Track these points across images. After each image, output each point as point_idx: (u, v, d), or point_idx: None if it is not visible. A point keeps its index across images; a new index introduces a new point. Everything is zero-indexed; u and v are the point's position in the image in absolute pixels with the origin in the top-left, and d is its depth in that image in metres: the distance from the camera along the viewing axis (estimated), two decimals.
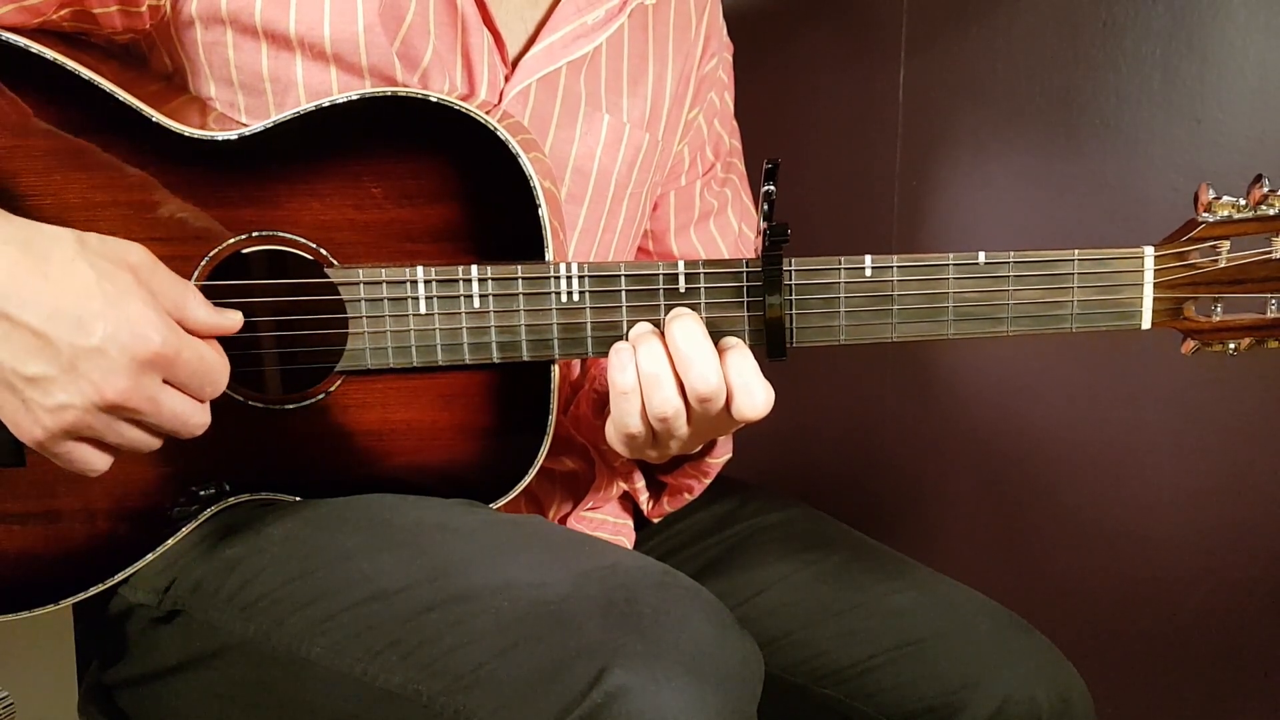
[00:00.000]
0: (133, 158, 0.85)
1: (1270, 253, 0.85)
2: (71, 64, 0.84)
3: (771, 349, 0.88)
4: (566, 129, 1.00)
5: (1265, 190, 0.85)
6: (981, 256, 0.87)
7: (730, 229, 1.15)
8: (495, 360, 0.89)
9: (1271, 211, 0.85)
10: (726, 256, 1.14)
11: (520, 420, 0.91)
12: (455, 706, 0.76)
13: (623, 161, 1.03)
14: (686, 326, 0.85)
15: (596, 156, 1.02)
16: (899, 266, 0.87)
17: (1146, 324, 0.88)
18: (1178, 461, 1.46)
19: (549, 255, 0.87)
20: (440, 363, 0.89)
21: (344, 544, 0.86)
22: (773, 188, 0.84)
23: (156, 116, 0.85)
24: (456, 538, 0.85)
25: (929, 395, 1.59)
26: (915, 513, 1.63)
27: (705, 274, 0.87)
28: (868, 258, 0.87)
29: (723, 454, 1.04)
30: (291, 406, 0.90)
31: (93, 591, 0.91)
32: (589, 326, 0.88)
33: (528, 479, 0.92)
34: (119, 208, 0.86)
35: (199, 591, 0.89)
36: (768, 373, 0.86)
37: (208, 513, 0.91)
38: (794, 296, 0.88)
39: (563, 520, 1.08)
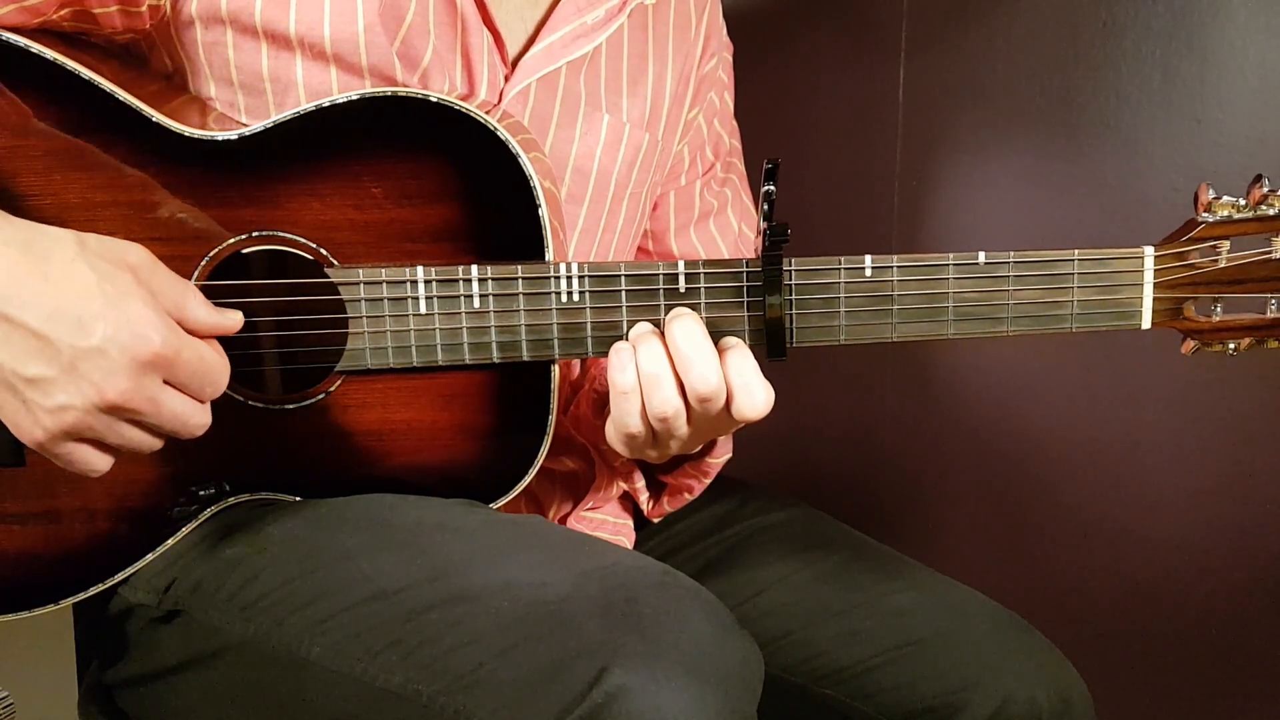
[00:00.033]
0: (133, 158, 0.85)
1: (1270, 253, 0.85)
2: (71, 64, 0.84)
3: (771, 349, 0.88)
4: (566, 129, 1.00)
5: (1265, 190, 0.85)
6: (981, 256, 0.87)
7: (730, 229, 1.15)
8: (495, 360, 0.89)
9: (1271, 211, 0.85)
10: (726, 256, 1.14)
11: (520, 420, 0.91)
12: (455, 706, 0.76)
13: (623, 161, 1.03)
14: (686, 326, 0.85)
15: (596, 156, 1.02)
16: (899, 266, 0.87)
17: (1146, 324, 0.88)
18: (1178, 461, 1.46)
19: (549, 255, 0.87)
20: (440, 363, 0.89)
21: (344, 544, 0.86)
22: (773, 188, 0.84)
23: (156, 116, 0.85)
24: (456, 538, 0.85)
25: (929, 395, 1.59)
26: (915, 513, 1.63)
27: (705, 274, 0.87)
28: (868, 258, 0.87)
29: (723, 454, 1.04)
30: (292, 406, 0.90)
31: (93, 591, 0.91)
32: (589, 326, 0.88)
33: (528, 479, 0.92)
34: (119, 208, 0.86)
35: (199, 591, 0.89)
36: (768, 373, 0.86)
37: (208, 513, 0.91)
38: (794, 296, 0.88)
39: (563, 520, 1.08)
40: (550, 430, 0.91)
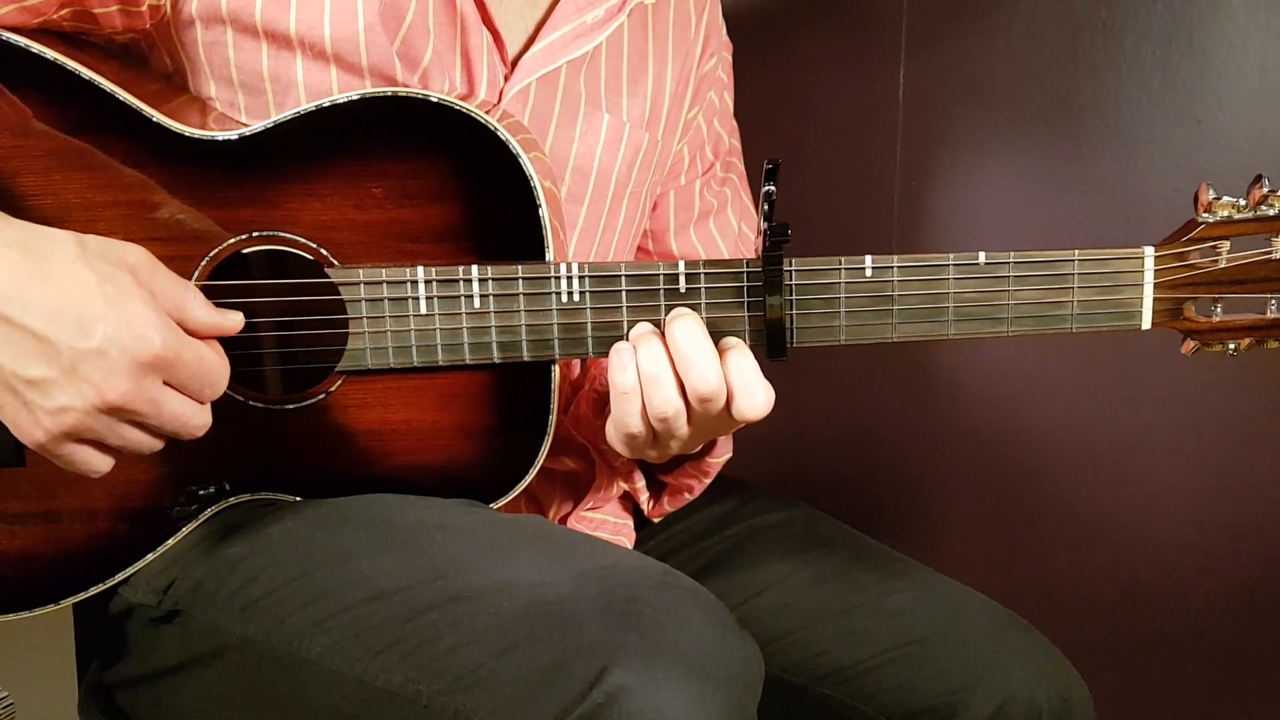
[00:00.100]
0: (133, 158, 0.85)
1: (1270, 253, 0.85)
2: (71, 64, 0.84)
3: (772, 349, 0.88)
4: (566, 128, 1.00)
5: (1265, 190, 0.85)
6: (982, 257, 0.87)
7: (730, 228, 1.15)
8: (496, 360, 0.89)
9: (1271, 212, 0.85)
10: (726, 256, 1.14)
11: (521, 420, 0.91)
12: (455, 706, 0.76)
13: (622, 161, 1.03)
14: (687, 326, 0.85)
15: (596, 156, 1.02)
16: (899, 267, 0.87)
17: (1147, 324, 0.88)
18: (1178, 461, 1.46)
19: (549, 255, 0.87)
20: (441, 363, 0.89)
21: (344, 544, 0.86)
22: (773, 188, 0.84)
23: (157, 116, 0.85)
24: (457, 538, 0.85)
25: (929, 395, 1.59)
26: (915, 513, 1.63)
27: (705, 274, 0.87)
28: (868, 258, 0.87)
29: (723, 454, 1.04)
30: (292, 407, 0.90)
31: (93, 591, 0.91)
32: (589, 326, 0.88)
33: (528, 479, 0.92)
34: (119, 208, 0.86)
35: (199, 591, 0.89)
36: (768, 373, 0.86)
37: (208, 513, 0.91)
38: (794, 297, 0.88)
39: (563, 520, 1.08)
40: (550, 430, 0.91)
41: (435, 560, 0.82)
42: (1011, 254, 0.87)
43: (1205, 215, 0.86)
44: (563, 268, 0.87)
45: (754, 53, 1.54)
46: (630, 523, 1.09)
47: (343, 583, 0.83)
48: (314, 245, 0.87)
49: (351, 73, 0.90)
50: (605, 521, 1.08)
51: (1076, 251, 0.86)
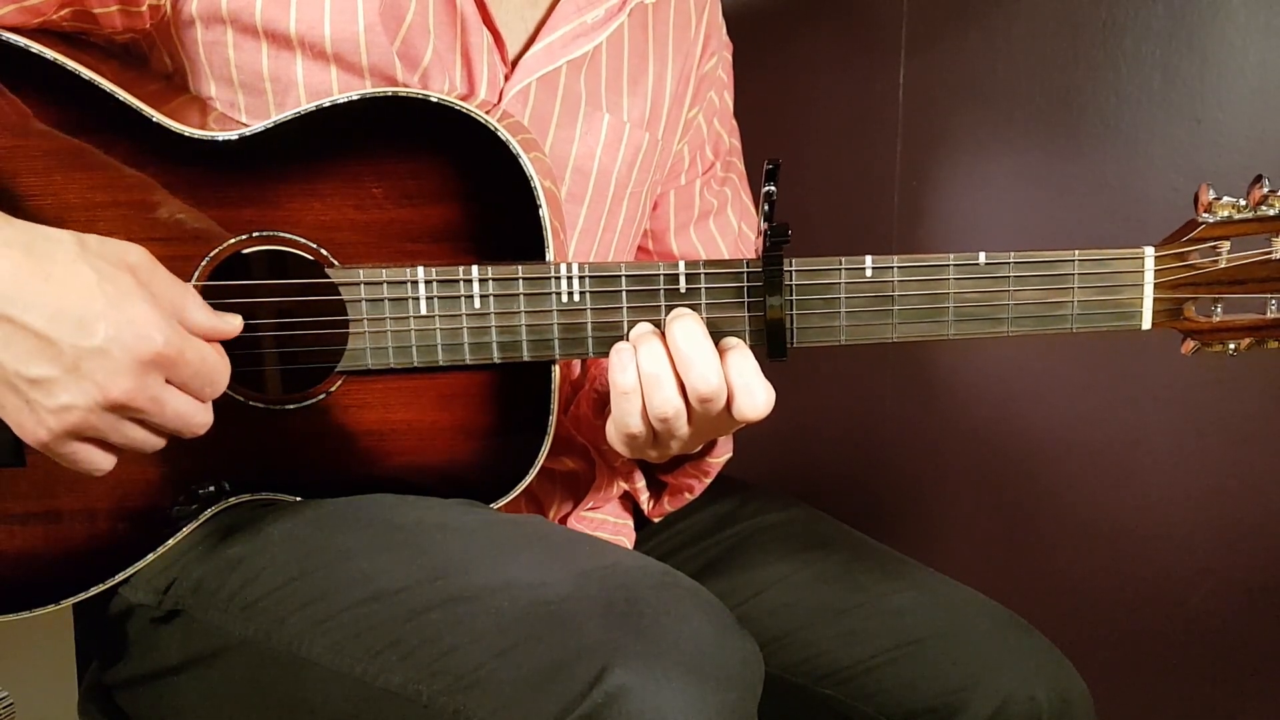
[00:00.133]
0: (133, 158, 0.85)
1: (1270, 253, 0.85)
2: (71, 64, 0.84)
3: (772, 349, 0.88)
4: (566, 128, 1.00)
5: (1265, 190, 0.85)
6: (982, 257, 0.87)
7: (730, 228, 1.16)
8: (496, 360, 0.89)
9: (1271, 212, 0.85)
10: (726, 255, 1.14)
11: (521, 420, 0.91)
12: (455, 706, 0.76)
13: (623, 161, 1.03)
14: (687, 327, 0.85)
15: (596, 156, 1.02)
16: (899, 267, 0.87)
17: (1147, 324, 0.88)
18: (1178, 461, 1.46)
19: (549, 255, 0.87)
20: (441, 363, 0.89)
21: (344, 544, 0.86)
22: (773, 188, 0.84)
23: (157, 116, 0.85)
24: (457, 538, 0.85)
25: (929, 395, 1.59)
26: (915, 513, 1.63)
27: (706, 274, 0.87)
28: (868, 258, 0.87)
29: (723, 453, 1.04)
30: (292, 407, 0.90)
31: (93, 591, 0.91)
32: (589, 326, 0.88)
33: (528, 479, 0.92)
34: (119, 208, 0.86)
35: (199, 591, 0.89)
36: (768, 373, 0.86)
37: (208, 513, 0.91)
38: (795, 297, 0.88)
39: (563, 520, 1.08)
40: (551, 430, 0.91)
41: (435, 560, 0.82)
42: (1012, 254, 0.87)
43: (1205, 215, 0.86)
44: (563, 268, 0.87)
45: (754, 53, 1.54)
46: (630, 523, 1.09)
47: (343, 583, 0.83)
48: (314, 245, 0.87)
49: (351, 73, 0.90)
50: (605, 521, 1.08)
51: (1076, 252, 0.86)
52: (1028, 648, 0.98)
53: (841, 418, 1.66)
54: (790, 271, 0.87)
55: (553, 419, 0.90)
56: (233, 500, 0.92)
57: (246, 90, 0.91)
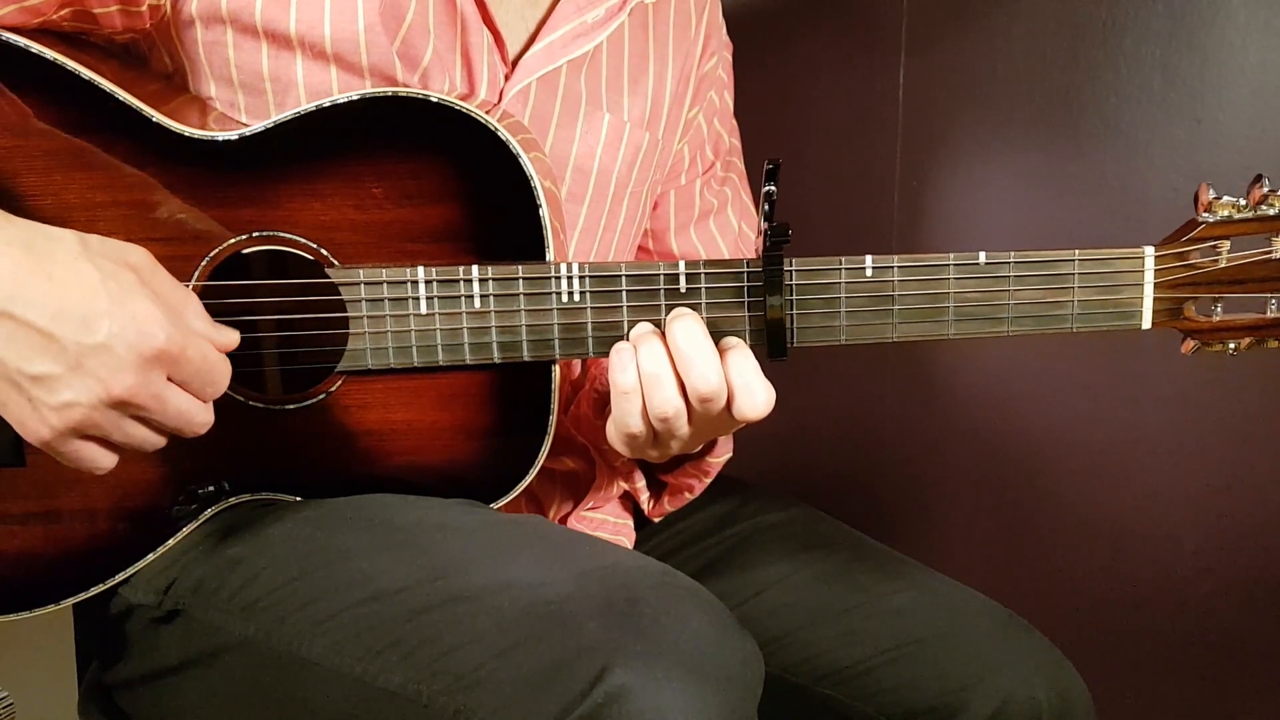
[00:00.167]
0: (133, 158, 0.85)
1: (1270, 252, 0.85)
2: (71, 64, 0.84)
3: (772, 349, 0.88)
4: (567, 128, 1.00)
5: (1265, 190, 0.85)
6: (982, 256, 0.87)
7: (730, 228, 1.16)
8: (496, 360, 0.89)
9: (1271, 211, 0.85)
10: (726, 255, 1.14)
11: (521, 420, 0.91)
12: (455, 706, 0.76)
13: (623, 160, 1.03)
14: (687, 326, 0.85)
15: (597, 155, 1.02)
16: (900, 267, 0.87)
17: (1147, 324, 0.88)
18: (1178, 461, 1.46)
19: (550, 255, 0.87)
20: (441, 363, 0.89)
21: (344, 544, 0.86)
22: (773, 188, 0.84)
23: (156, 116, 0.85)
24: (457, 538, 0.85)
25: (929, 395, 1.59)
26: (915, 513, 1.63)
27: (706, 274, 0.87)
28: (868, 258, 0.87)
29: (723, 453, 1.04)
30: (292, 406, 0.90)
31: (93, 591, 0.91)
32: (590, 326, 0.88)
33: (528, 479, 0.92)
34: (119, 208, 0.86)
35: (199, 591, 0.89)
36: (768, 372, 0.86)
37: (208, 512, 0.91)
38: (795, 297, 0.88)
39: (563, 520, 1.08)
40: (551, 430, 0.91)
41: (435, 560, 0.82)
42: (1012, 254, 0.87)
43: (1205, 215, 0.86)
44: (563, 268, 0.87)
45: (754, 53, 1.54)
46: (630, 522, 1.09)
47: (343, 583, 0.83)
48: (314, 245, 0.87)
49: (351, 73, 0.90)
50: (605, 521, 1.08)
51: (1077, 251, 0.86)
52: (1028, 647, 0.98)
53: (841, 418, 1.66)
54: (790, 271, 0.87)
55: (553, 419, 0.90)
56: (233, 500, 0.92)
57: (246, 90, 0.91)
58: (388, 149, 0.86)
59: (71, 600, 0.91)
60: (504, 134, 0.85)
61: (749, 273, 0.87)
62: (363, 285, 0.87)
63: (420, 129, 0.86)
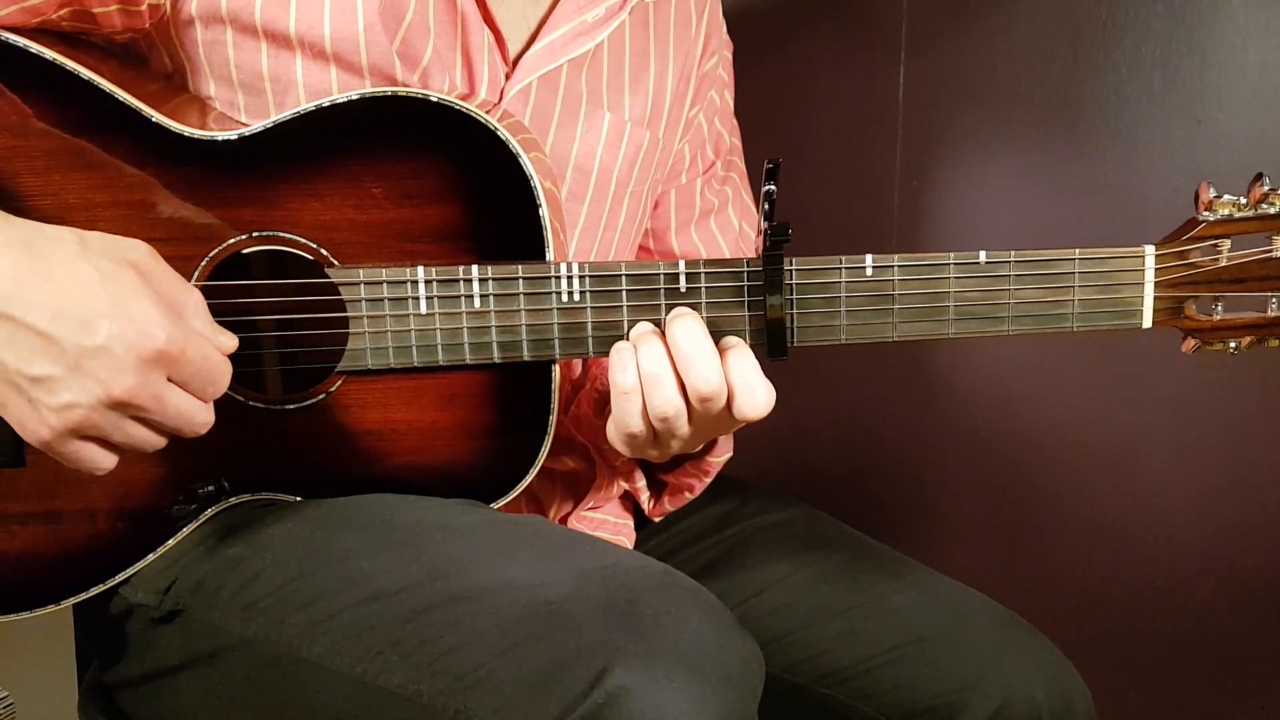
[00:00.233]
0: (133, 158, 0.85)
1: (1271, 251, 0.85)
2: (71, 64, 0.84)
3: (772, 349, 0.88)
4: (567, 127, 1.00)
5: (1266, 189, 0.85)
6: (982, 256, 0.87)
7: (731, 227, 1.15)
8: (496, 360, 0.89)
9: (1272, 210, 0.85)
10: (727, 254, 1.14)
11: (521, 420, 0.91)
12: (455, 707, 0.76)
13: (624, 159, 1.03)
14: (687, 326, 0.85)
15: (598, 155, 1.02)
16: (900, 266, 0.87)
17: (1147, 323, 0.88)
18: (1178, 461, 1.46)
19: (549, 255, 0.87)
20: (441, 363, 0.89)
21: (345, 544, 0.86)
22: (774, 187, 0.84)
23: (156, 116, 0.85)
24: (457, 538, 0.85)
25: (929, 395, 1.59)
26: (915, 513, 1.63)
27: (706, 273, 0.87)
28: (869, 257, 0.87)
29: (723, 453, 1.04)
30: (292, 407, 0.90)
31: (93, 592, 0.91)
32: (590, 326, 0.88)
33: (529, 479, 0.92)
34: (119, 208, 0.86)
35: (200, 591, 0.89)
36: (768, 372, 0.86)
37: (208, 513, 0.91)
38: (795, 296, 0.87)
39: (563, 520, 1.08)
40: (551, 430, 0.90)
41: (435, 560, 0.82)
42: (1012, 253, 0.87)
43: (1206, 214, 0.86)
44: (563, 267, 0.87)
45: (754, 52, 1.54)
46: (630, 522, 1.09)
47: (343, 583, 0.83)
48: (314, 245, 0.87)
49: (351, 72, 0.90)
50: (606, 521, 1.08)
51: (1077, 251, 0.86)
52: (1028, 648, 0.98)
53: (841, 418, 1.66)
54: (790, 271, 0.87)
55: (553, 419, 0.90)
56: (233, 500, 0.92)
57: (246, 90, 0.91)
58: (387, 149, 0.86)
59: (71, 600, 0.91)
60: (504, 134, 0.85)
61: (749, 272, 0.87)
62: (362, 285, 0.87)
63: (420, 129, 0.86)
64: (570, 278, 0.87)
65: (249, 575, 0.87)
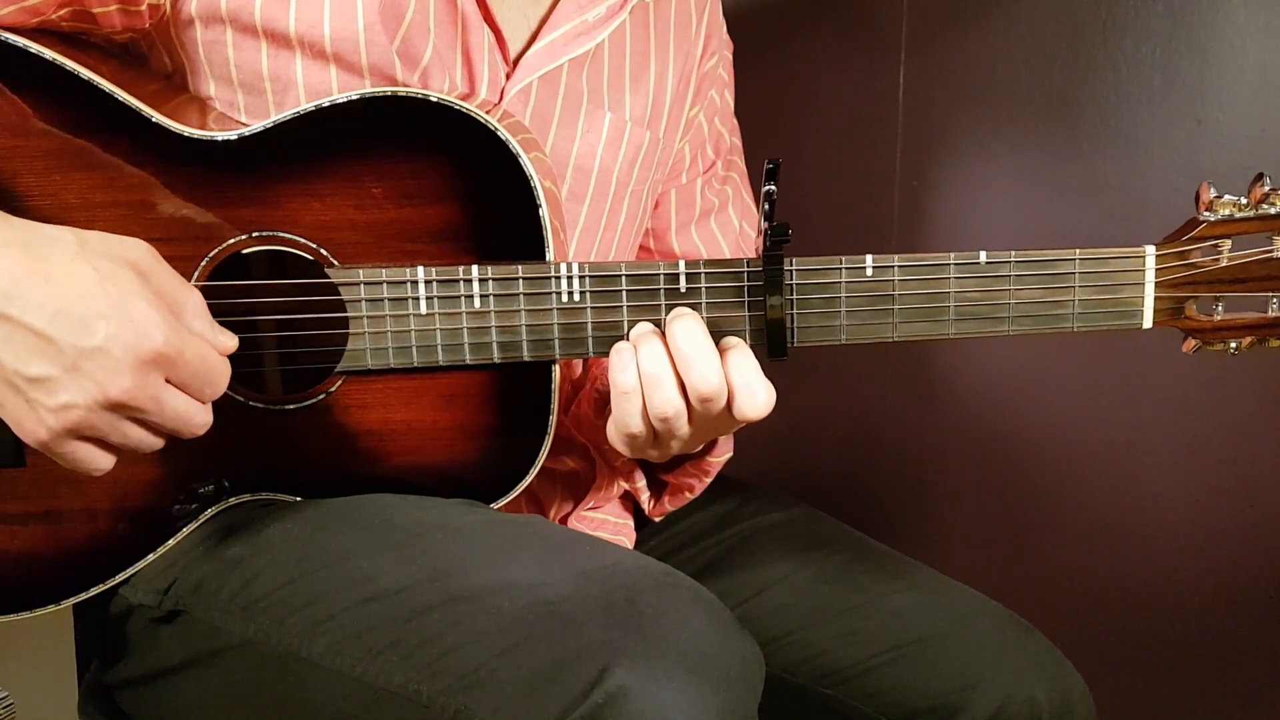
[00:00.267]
0: (132, 158, 0.85)
1: (1271, 251, 0.85)
2: (71, 64, 0.83)
3: (772, 349, 0.88)
4: (568, 127, 1.00)
5: (1266, 189, 0.85)
6: (983, 256, 0.87)
7: (731, 227, 1.15)
8: (496, 360, 0.89)
9: (1273, 210, 0.85)
10: (728, 254, 1.14)
11: (521, 420, 0.91)
12: (455, 707, 0.76)
13: (624, 159, 1.03)
14: (687, 326, 0.85)
15: (598, 154, 1.02)
16: (900, 266, 0.87)
17: (1148, 323, 0.88)
18: (1178, 461, 1.46)
19: (549, 255, 0.87)
20: (441, 363, 0.89)
21: (345, 544, 0.86)
22: (774, 188, 0.84)
23: (156, 116, 0.85)
24: (457, 538, 0.85)
25: (929, 395, 1.59)
26: (915, 513, 1.63)
27: (706, 274, 0.87)
28: (869, 257, 0.87)
29: (724, 453, 1.04)
30: (292, 407, 0.90)
31: (93, 592, 0.91)
32: (590, 326, 0.88)
33: (529, 479, 0.92)
34: (119, 208, 0.86)
35: (200, 591, 0.89)
36: (768, 372, 0.86)
37: (208, 513, 0.91)
38: (795, 296, 0.87)
39: (563, 520, 1.08)
40: (551, 430, 0.90)
41: (435, 560, 0.82)
42: (1012, 253, 0.87)
43: (1206, 214, 0.86)
44: (563, 267, 0.87)
45: (754, 52, 1.54)
46: (630, 522, 1.09)
47: (343, 583, 0.83)
48: (314, 245, 0.87)
49: (351, 72, 0.90)
50: (606, 521, 1.08)
51: (1077, 251, 0.86)
52: (1028, 647, 0.98)
53: (841, 418, 1.66)
54: (790, 271, 0.87)
55: (553, 419, 0.90)
56: (233, 500, 0.92)
57: (246, 90, 0.91)
58: (387, 149, 0.86)
59: (72, 600, 0.91)
60: (504, 134, 0.85)
61: (749, 272, 0.87)
62: (362, 285, 0.87)
63: (420, 129, 0.86)
64: (570, 278, 0.87)
65: (249, 575, 0.87)
